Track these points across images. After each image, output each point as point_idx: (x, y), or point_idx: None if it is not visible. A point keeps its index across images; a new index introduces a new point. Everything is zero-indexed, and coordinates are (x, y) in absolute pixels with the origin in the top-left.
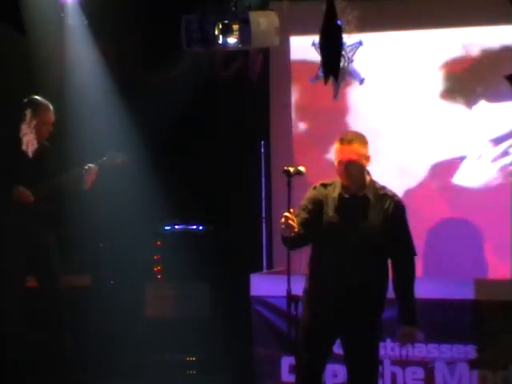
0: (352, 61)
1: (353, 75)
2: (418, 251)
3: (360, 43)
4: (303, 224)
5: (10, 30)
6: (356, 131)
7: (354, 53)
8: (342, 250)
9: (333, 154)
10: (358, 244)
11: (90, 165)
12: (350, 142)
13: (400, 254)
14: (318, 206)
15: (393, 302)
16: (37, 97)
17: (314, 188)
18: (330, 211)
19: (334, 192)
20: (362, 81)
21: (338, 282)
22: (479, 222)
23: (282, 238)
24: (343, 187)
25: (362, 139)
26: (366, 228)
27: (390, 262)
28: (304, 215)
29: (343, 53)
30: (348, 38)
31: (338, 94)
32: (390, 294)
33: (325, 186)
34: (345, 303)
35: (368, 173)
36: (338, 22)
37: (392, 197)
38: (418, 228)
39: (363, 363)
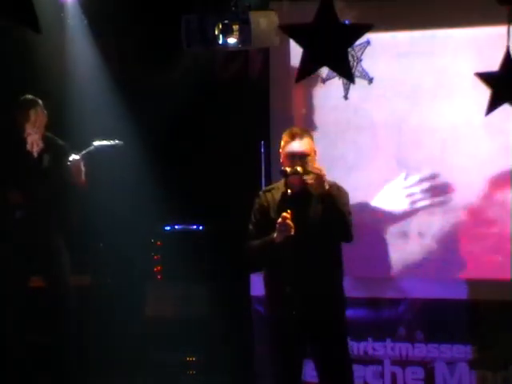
0: (361, 60)
1: (362, 75)
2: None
3: (368, 42)
4: (261, 237)
5: (21, 29)
6: (301, 127)
7: (363, 52)
8: (296, 247)
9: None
10: (309, 238)
11: (73, 156)
12: (301, 136)
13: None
14: (264, 213)
15: (391, 303)
16: (34, 97)
17: (258, 196)
18: (274, 214)
19: (277, 194)
20: (370, 80)
21: (299, 280)
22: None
23: (262, 252)
24: (286, 186)
25: (310, 134)
26: (314, 221)
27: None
28: (257, 230)
29: (352, 52)
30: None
31: (347, 93)
32: (386, 294)
33: (268, 191)
34: (305, 301)
35: None
36: (345, 22)
37: (332, 185)
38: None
39: (333, 362)
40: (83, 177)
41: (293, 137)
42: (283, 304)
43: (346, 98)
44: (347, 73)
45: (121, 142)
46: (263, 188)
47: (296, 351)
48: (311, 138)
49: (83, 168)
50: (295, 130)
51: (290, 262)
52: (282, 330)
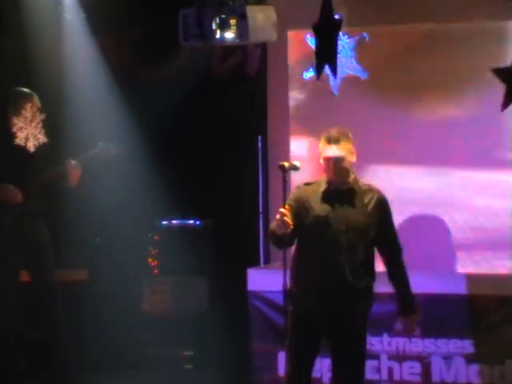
0: (352, 56)
1: (353, 70)
2: None
3: (364, 37)
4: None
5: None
6: (340, 128)
7: (355, 47)
8: (333, 241)
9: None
10: (349, 233)
11: (71, 161)
12: (337, 140)
13: (392, 251)
14: (301, 204)
15: (387, 297)
16: (29, 90)
17: (298, 187)
18: (316, 206)
19: (319, 188)
20: (364, 76)
21: (331, 275)
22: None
23: (272, 236)
24: (328, 182)
25: (347, 136)
26: (355, 218)
27: (380, 256)
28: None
29: (342, 47)
30: (350, 33)
31: (336, 88)
32: (383, 288)
33: (308, 184)
34: (337, 296)
35: (352, 171)
36: (336, 16)
37: (376, 192)
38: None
39: (350, 358)
40: (77, 180)
41: (328, 142)
42: (312, 299)
43: (333, 93)
44: (335, 67)
45: (123, 147)
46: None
47: (310, 345)
48: (348, 140)
49: (79, 173)
50: (330, 133)
51: (323, 259)
52: (302, 322)
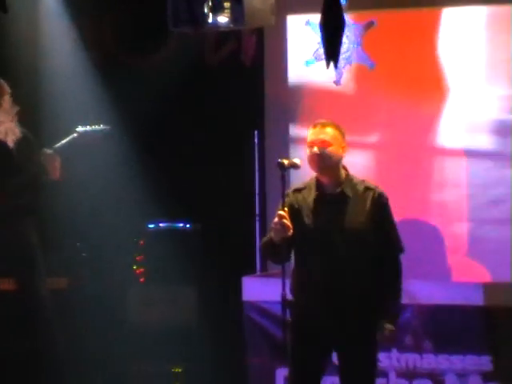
0: (359, 43)
1: (360, 59)
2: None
3: (371, 23)
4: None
5: None
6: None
7: (362, 35)
8: (330, 254)
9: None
10: (345, 245)
11: (45, 150)
12: (323, 125)
13: (386, 251)
14: (293, 214)
15: None
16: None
17: (287, 195)
18: (307, 218)
19: (310, 196)
20: (371, 65)
21: (331, 290)
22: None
23: (269, 246)
24: (318, 186)
25: (338, 127)
26: (352, 226)
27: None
28: None
29: (348, 34)
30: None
31: (340, 78)
32: None
33: (298, 190)
34: (340, 311)
35: (344, 167)
36: (341, 1)
37: (374, 189)
38: None
39: (359, 376)
40: (58, 172)
41: (314, 126)
42: (313, 314)
43: (336, 83)
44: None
45: (107, 127)
46: (290, 187)
47: (315, 364)
48: (337, 129)
49: (58, 163)
50: (319, 120)
51: (322, 272)
52: (305, 339)
